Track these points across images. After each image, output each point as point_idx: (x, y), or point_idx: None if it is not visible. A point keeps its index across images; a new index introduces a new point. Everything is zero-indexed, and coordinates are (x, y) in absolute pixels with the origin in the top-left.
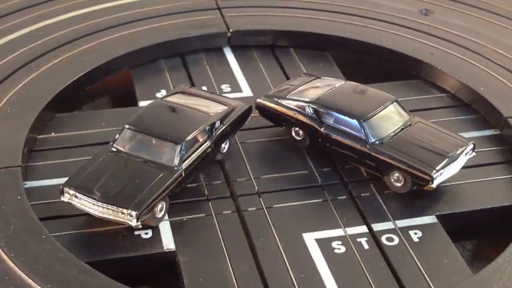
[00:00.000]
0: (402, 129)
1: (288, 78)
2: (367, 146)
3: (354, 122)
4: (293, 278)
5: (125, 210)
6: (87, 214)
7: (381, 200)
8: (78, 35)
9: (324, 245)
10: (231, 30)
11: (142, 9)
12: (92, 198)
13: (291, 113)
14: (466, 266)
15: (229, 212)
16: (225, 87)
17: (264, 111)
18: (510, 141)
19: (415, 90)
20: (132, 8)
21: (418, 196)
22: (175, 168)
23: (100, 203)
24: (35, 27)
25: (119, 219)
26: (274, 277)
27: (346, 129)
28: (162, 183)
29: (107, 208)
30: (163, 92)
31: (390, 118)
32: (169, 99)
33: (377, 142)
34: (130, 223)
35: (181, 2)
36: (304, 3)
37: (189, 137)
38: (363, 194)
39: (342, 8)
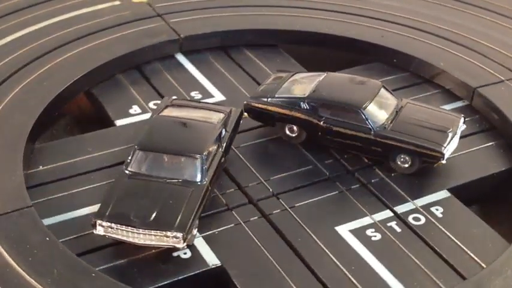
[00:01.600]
0: (397, 112)
1: (251, 77)
2: (372, 133)
3: (355, 111)
4: (346, 272)
5: (169, 233)
6: (118, 243)
7: (392, 183)
8: (28, 59)
9: (360, 234)
10: (181, 35)
11: (84, 23)
12: (132, 227)
13: (285, 110)
14: (494, 231)
15: (256, 218)
16: (195, 94)
17: (255, 112)
18: (481, 110)
19: (376, 73)
20: (73, 23)
21: (423, 174)
22: (201, 182)
23: (141, 230)
24: None
25: (163, 243)
26: (328, 274)
27: (347, 119)
28: (195, 200)
29: (149, 234)
30: (135, 108)
31: (384, 103)
32: (164, 114)
33: (380, 128)
34: (176, 245)
35: (120, 13)
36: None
37: (206, 149)
38: (373, 180)
39: (290, 2)
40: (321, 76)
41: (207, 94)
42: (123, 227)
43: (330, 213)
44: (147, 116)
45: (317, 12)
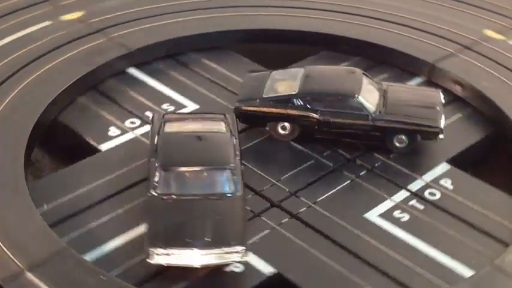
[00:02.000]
0: (383, 95)
1: (211, 81)
2: (370, 118)
3: (350, 100)
4: (397, 257)
5: (231, 249)
6: (166, 268)
7: (394, 164)
8: None
9: (389, 218)
10: (132, 48)
11: (22, 50)
12: (190, 249)
13: (279, 109)
14: (503, 193)
15: (287, 219)
16: (168, 107)
17: (246, 116)
18: (441, 84)
19: (328, 62)
20: (10, 52)
21: (418, 151)
22: (237, 192)
23: (201, 250)
24: None
25: (224, 260)
26: (383, 262)
27: (343, 109)
28: (239, 211)
29: (210, 254)
30: (113, 130)
31: (370, 89)
32: (170, 130)
33: (376, 113)
34: (239, 260)
35: (56, 34)
36: (176, 6)
37: (233, 159)
38: (376, 165)
39: (231, 2)
40: (301, 71)
41: (179, 105)
42: (182, 251)
43: (352, 202)
44: (129, 136)
45: (259, 9)
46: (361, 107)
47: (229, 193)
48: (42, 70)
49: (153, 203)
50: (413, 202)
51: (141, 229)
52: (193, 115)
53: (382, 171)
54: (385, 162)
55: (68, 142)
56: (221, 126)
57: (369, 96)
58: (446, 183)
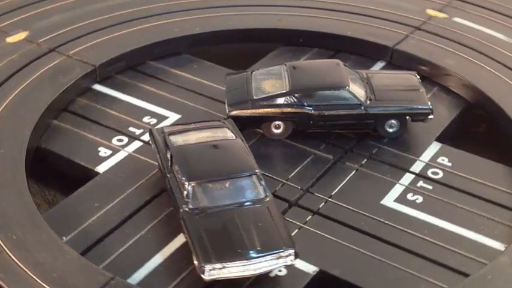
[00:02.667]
0: (367, 83)
1: (182, 88)
2: (362, 108)
3: (342, 91)
4: (424, 237)
5: (283, 253)
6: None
7: (390, 149)
8: None
9: (405, 202)
10: (95, 65)
11: None
12: (245, 260)
13: (273, 109)
14: (498, 164)
15: (310, 216)
16: (149, 120)
17: (241, 119)
18: (402, 66)
19: (289, 57)
20: None
21: (408, 133)
22: (267, 196)
23: (256, 259)
24: None
25: (276, 266)
26: (415, 244)
27: (336, 101)
28: (276, 214)
29: (263, 261)
30: (104, 150)
31: (354, 78)
32: (180, 143)
33: (367, 101)
34: (291, 263)
35: (8, 58)
36: (121, 16)
37: (255, 164)
38: (373, 151)
39: (168, 8)
40: (283, 68)
41: (160, 117)
42: (237, 263)
43: (365, 191)
44: (122, 154)
45: (212, 10)
46: (354, 97)
47: (261, 198)
48: (8, 100)
49: (188, 219)
50: (421, 183)
51: (174, 244)
52: (193, 125)
53: (381, 157)
54: (381, 148)
55: (57, 168)
56: (228, 133)
57: (356, 86)
58: (444, 161)
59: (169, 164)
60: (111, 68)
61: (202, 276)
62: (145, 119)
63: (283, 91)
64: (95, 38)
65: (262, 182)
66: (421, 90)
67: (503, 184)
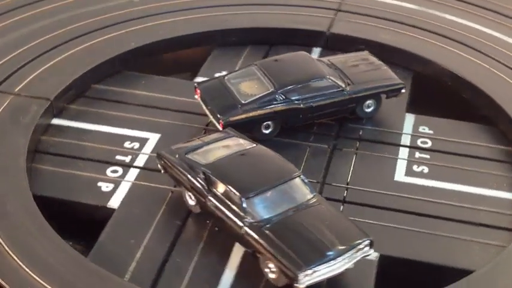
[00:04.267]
0: (336, 69)
1: (144, 106)
2: (345, 93)
3: (324, 81)
4: (451, 203)
5: (361, 245)
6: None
7: (374, 128)
8: None
9: (415, 174)
10: (50, 98)
11: None
12: (332, 260)
13: (264, 110)
14: (472, 124)
15: (342, 206)
16: (131, 145)
17: (235, 125)
18: (340, 49)
19: (229, 57)
20: None
21: (380, 112)
22: (316, 195)
23: (340, 257)
24: None
25: (356, 259)
26: (447, 212)
27: (321, 91)
28: (334, 210)
29: (346, 258)
30: (105, 184)
31: (326, 65)
32: (209, 160)
33: (347, 87)
34: (369, 253)
35: None
36: (49, 41)
37: (294, 166)
38: (360, 133)
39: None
40: (254, 68)
41: (142, 141)
42: (324, 265)
43: (374, 172)
44: (126, 185)
45: (146, 20)
46: (336, 85)
47: (312, 197)
48: None
49: (257, 233)
50: (418, 154)
51: (234, 261)
52: (199, 141)
53: (368, 136)
54: (364, 129)
55: (62, 212)
56: (242, 141)
57: (332, 73)
58: (425, 129)
59: (206, 184)
60: (63, 98)
61: (297, 285)
62: (127, 145)
63: (270, 90)
64: (34, 69)
65: (307, 181)
66: (385, 68)
67: (483, 140)
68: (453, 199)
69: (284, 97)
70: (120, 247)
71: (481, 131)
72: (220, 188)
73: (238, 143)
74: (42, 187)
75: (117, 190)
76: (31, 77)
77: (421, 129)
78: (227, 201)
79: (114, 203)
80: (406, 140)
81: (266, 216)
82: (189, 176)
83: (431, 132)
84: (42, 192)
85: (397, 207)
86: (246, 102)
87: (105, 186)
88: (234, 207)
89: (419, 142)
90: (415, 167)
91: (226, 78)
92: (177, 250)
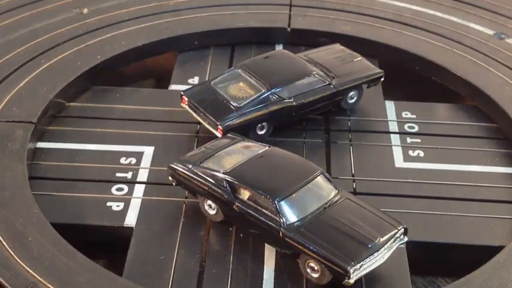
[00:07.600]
0: (316, 64)
1: (128, 120)
2: (332, 87)
3: (311, 77)
4: (456, 183)
5: (398, 233)
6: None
7: (360, 118)
8: None
9: (413, 159)
10: (33, 121)
11: None
12: (376, 252)
13: (261, 112)
14: (448, 104)
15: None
16: (128, 161)
17: (234, 130)
18: (306, 43)
19: (195, 63)
20: None
21: (365, 99)
22: (340, 190)
23: (382, 248)
24: None
25: (394, 248)
26: (456, 192)
27: (309, 88)
28: (362, 202)
29: (386, 248)
30: (114, 204)
31: (310, 62)
32: (232, 165)
33: (333, 81)
34: (405, 240)
35: None
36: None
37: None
38: (349, 124)
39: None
40: (238, 70)
41: (135, 154)
42: (370, 259)
43: (374, 161)
44: (136, 202)
45: (108, 30)
46: (322, 79)
47: (337, 192)
48: None
49: (296, 234)
50: (410, 140)
51: (270, 264)
52: (208, 149)
53: (359, 127)
54: (352, 120)
55: (74, 234)
56: (251, 144)
57: (316, 69)
58: (407, 114)
59: (231, 191)
60: (43, 120)
61: (348, 280)
62: (123, 161)
63: (263, 90)
64: (5, 91)
65: (329, 178)
66: (361, 58)
67: (465, 119)
68: (457, 179)
69: (277, 96)
70: (151, 264)
71: (460, 110)
72: (247, 193)
73: (249, 147)
74: (53, 214)
75: (129, 208)
76: (5, 101)
77: (403, 114)
78: (257, 206)
79: (130, 221)
80: (393, 126)
81: (301, 216)
82: (209, 185)
83: (414, 116)
84: (53, 220)
85: (408, 193)
86: (241, 105)
87: (116, 206)
88: (265, 211)
89: (406, 127)
90: (410, 152)
91: (212, 83)
92: (211, 261)
